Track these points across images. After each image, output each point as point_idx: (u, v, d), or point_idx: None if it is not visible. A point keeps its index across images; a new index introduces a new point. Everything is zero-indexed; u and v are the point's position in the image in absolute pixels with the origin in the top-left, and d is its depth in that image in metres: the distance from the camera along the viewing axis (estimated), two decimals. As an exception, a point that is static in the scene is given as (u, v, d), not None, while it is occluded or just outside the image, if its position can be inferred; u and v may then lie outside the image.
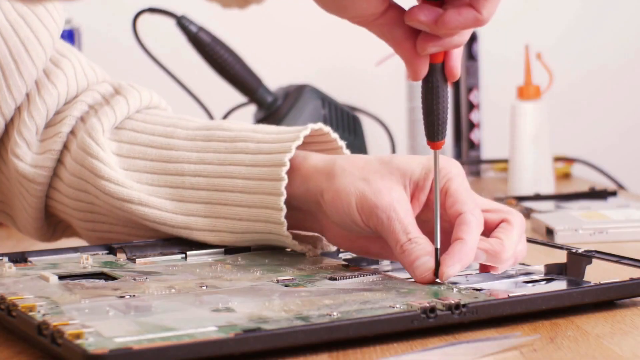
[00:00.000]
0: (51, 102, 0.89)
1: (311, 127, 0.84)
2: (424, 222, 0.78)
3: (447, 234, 0.75)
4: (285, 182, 0.81)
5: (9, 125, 0.90)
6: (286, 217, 0.81)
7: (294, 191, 0.82)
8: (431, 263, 0.73)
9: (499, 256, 0.74)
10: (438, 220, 0.74)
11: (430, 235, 0.75)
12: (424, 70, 0.70)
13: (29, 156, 0.88)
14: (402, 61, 0.69)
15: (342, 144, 0.87)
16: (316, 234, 0.85)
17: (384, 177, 0.78)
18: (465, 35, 0.68)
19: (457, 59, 0.71)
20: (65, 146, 0.89)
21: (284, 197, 0.81)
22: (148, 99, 0.92)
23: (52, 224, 0.93)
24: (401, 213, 0.75)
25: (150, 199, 0.86)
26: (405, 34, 0.68)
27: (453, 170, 0.77)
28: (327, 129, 0.86)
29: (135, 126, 0.89)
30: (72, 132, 0.89)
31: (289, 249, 0.86)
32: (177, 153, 0.87)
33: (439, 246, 0.74)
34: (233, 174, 0.84)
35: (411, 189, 0.78)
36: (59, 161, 0.89)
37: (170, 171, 0.86)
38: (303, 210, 0.83)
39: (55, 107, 0.90)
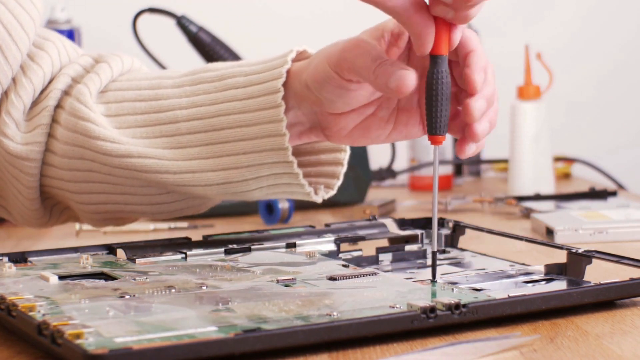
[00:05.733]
0: (37, 81, 0.89)
1: (296, 49, 0.84)
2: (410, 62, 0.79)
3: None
4: (283, 108, 0.81)
5: None
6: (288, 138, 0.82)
7: (287, 107, 0.82)
8: (408, 73, 0.73)
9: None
10: (436, 224, 0.74)
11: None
12: (431, 41, 0.71)
13: (18, 136, 0.89)
14: (412, 35, 0.71)
15: None
16: (315, 184, 0.86)
17: (351, 37, 0.78)
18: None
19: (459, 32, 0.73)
20: (54, 119, 0.89)
21: (285, 122, 0.81)
22: (130, 63, 0.93)
23: (48, 207, 0.93)
24: (366, 47, 0.75)
25: (149, 150, 0.86)
26: (416, 7, 0.70)
27: None
28: (311, 50, 0.85)
29: (120, 86, 0.90)
30: (59, 106, 0.89)
31: (288, 250, 0.86)
32: (167, 102, 0.87)
33: (436, 249, 0.74)
34: (228, 110, 0.84)
35: (387, 39, 0.78)
36: (49, 135, 0.89)
37: (163, 120, 0.86)
38: (299, 123, 0.83)
39: (41, 86, 0.90)
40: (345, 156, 0.87)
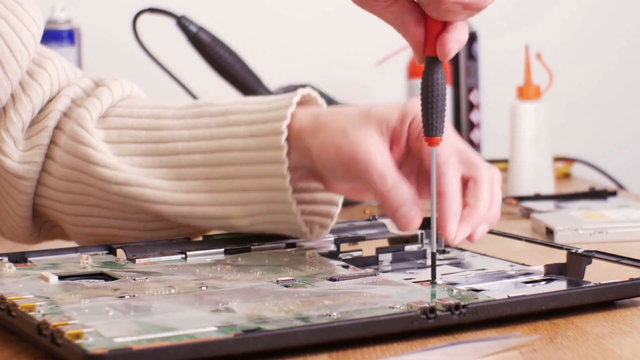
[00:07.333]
0: (37, 99, 0.89)
1: (301, 92, 0.85)
2: (406, 165, 0.79)
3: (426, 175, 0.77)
4: (285, 150, 0.81)
5: None
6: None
7: (288, 155, 0.82)
8: (414, 211, 0.75)
9: (471, 222, 0.75)
10: (434, 223, 0.74)
11: (413, 177, 0.78)
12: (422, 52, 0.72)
13: (16, 154, 0.88)
14: (410, 46, 0.72)
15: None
16: (311, 223, 0.86)
17: (360, 127, 0.79)
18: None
19: (451, 38, 0.72)
20: (53, 141, 0.89)
21: (286, 165, 0.81)
22: (129, 89, 0.92)
23: (38, 225, 0.93)
24: (378, 161, 0.76)
25: (148, 180, 0.86)
26: (414, 19, 0.71)
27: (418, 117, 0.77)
28: (314, 94, 0.86)
29: (121, 112, 0.90)
30: (59, 127, 0.89)
31: (288, 250, 0.86)
32: (167, 133, 0.87)
33: (435, 250, 0.74)
34: (229, 147, 0.84)
35: (389, 136, 0.79)
36: (47, 156, 0.89)
37: (163, 151, 0.86)
38: (300, 168, 0.83)
39: (41, 104, 0.90)
40: (340, 197, 0.88)
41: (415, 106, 0.79)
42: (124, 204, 0.87)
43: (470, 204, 0.76)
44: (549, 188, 1.39)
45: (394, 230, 0.79)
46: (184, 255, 0.84)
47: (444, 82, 0.72)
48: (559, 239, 1.04)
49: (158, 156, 0.86)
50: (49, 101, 0.90)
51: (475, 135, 1.79)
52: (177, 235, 0.89)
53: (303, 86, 1.39)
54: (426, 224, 0.92)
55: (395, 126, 0.79)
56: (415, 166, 0.79)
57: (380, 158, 0.77)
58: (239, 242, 0.86)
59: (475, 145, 1.79)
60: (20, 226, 0.92)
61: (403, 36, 0.72)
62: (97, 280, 0.76)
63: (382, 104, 0.81)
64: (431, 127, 0.73)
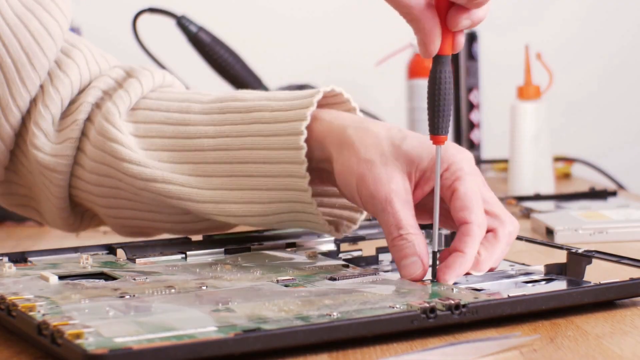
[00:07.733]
0: (64, 91, 0.89)
1: (323, 90, 0.84)
2: (428, 207, 0.78)
3: (446, 217, 0.77)
4: (304, 150, 0.80)
5: (26, 117, 0.90)
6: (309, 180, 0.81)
7: (310, 154, 0.82)
8: (418, 264, 0.74)
9: (474, 270, 0.75)
10: (437, 224, 0.74)
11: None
12: (438, 44, 0.71)
13: (47, 146, 0.88)
14: (418, 35, 0.71)
15: (355, 105, 0.86)
16: (338, 218, 0.86)
17: (387, 163, 0.77)
18: (486, 9, 0.71)
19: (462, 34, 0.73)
20: (84, 133, 0.89)
21: (305, 165, 0.81)
22: (161, 79, 0.92)
23: (79, 214, 0.93)
24: (396, 206, 0.75)
25: (174, 176, 0.85)
26: (426, 2, 0.70)
27: (464, 167, 0.77)
28: (339, 89, 0.85)
29: (149, 105, 0.89)
30: (89, 119, 0.89)
31: (288, 250, 0.86)
32: (194, 128, 0.86)
33: (437, 249, 0.74)
34: (253, 145, 0.84)
35: (416, 178, 0.77)
36: (79, 149, 0.89)
37: (190, 147, 0.86)
38: (320, 169, 0.83)
39: (69, 96, 0.89)
40: None
41: (451, 155, 0.77)
42: (153, 199, 0.87)
43: (479, 253, 0.76)
44: (549, 188, 1.39)
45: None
46: (184, 255, 0.84)
47: (451, 81, 0.72)
48: (559, 239, 1.04)
49: (185, 152, 0.86)
50: (80, 92, 0.90)
51: (475, 135, 1.79)
52: (208, 228, 0.89)
53: (303, 86, 1.40)
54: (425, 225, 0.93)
55: (425, 170, 0.77)
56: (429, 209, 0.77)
57: (400, 203, 0.75)
58: (239, 242, 0.87)
59: (475, 145, 1.79)
60: (59, 216, 0.92)
61: (412, 22, 0.70)
62: (97, 280, 0.76)
63: (417, 138, 0.78)
64: (437, 126, 0.73)
